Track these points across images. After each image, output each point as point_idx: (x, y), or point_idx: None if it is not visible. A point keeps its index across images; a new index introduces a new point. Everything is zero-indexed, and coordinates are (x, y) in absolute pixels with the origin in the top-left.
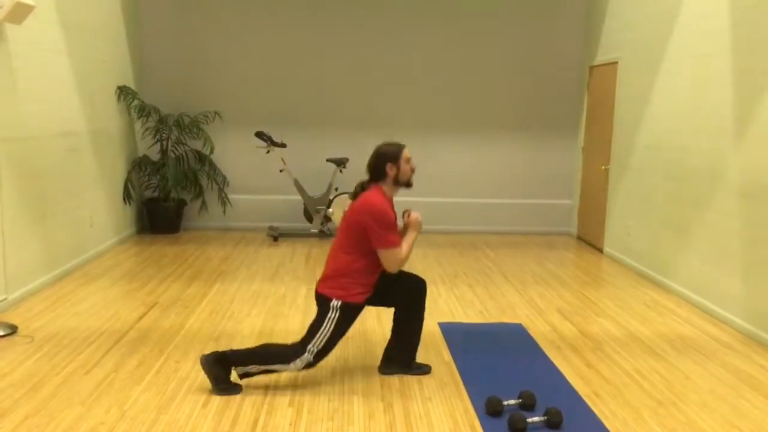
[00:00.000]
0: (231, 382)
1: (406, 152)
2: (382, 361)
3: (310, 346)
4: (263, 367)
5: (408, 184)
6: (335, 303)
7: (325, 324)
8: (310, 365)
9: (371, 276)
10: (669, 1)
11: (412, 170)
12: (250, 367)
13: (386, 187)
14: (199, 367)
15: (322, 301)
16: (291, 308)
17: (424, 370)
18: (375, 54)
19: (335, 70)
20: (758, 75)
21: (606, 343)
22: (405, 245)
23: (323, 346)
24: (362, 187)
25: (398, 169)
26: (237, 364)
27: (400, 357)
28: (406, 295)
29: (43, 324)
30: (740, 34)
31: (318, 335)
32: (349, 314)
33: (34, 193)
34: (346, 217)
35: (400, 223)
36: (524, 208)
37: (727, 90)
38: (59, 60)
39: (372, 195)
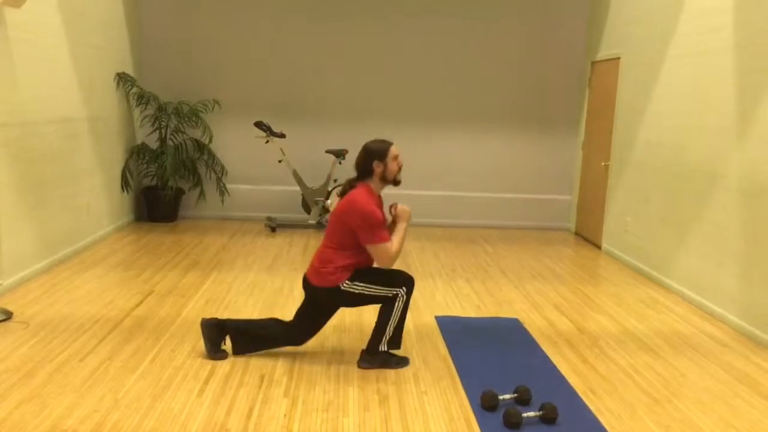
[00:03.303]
0: (222, 349)
1: (393, 149)
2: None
3: (388, 294)
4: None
5: (395, 182)
6: (343, 284)
7: (362, 295)
8: (407, 297)
9: (364, 264)
10: None
11: (399, 167)
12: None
13: (373, 184)
14: (194, 356)
15: (325, 293)
16: (288, 299)
17: (401, 363)
18: (376, 46)
19: (336, 61)
20: (761, 73)
21: (602, 340)
22: (396, 239)
23: (384, 287)
24: (350, 185)
25: (385, 166)
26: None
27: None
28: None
29: (38, 310)
30: (743, 32)
31: (375, 297)
32: (362, 273)
33: (31, 179)
34: (334, 215)
35: (389, 217)
36: (523, 202)
37: (729, 88)
38: (58, 45)
39: (358, 194)
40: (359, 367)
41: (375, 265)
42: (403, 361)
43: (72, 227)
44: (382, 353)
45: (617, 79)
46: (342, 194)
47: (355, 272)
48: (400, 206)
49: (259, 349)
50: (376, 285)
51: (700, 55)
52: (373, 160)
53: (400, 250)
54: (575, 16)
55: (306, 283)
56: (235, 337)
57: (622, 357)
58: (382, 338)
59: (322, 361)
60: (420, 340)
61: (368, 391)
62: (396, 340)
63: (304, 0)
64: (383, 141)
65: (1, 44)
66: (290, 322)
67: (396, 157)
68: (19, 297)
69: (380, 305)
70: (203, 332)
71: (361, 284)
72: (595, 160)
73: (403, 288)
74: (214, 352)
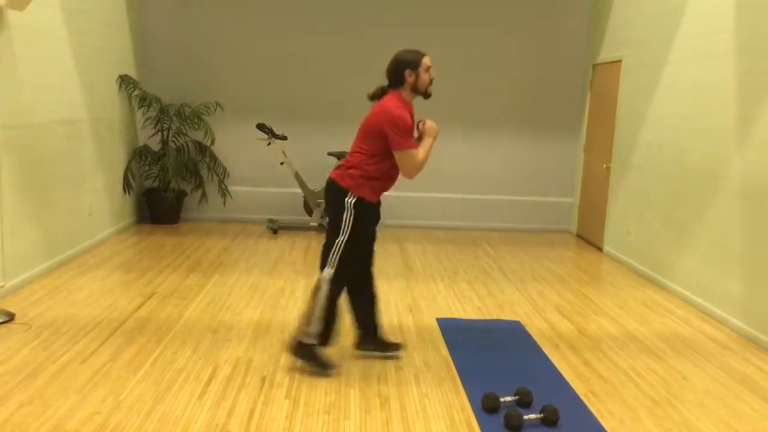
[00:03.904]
0: (324, 360)
1: (426, 60)
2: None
3: (329, 259)
4: (320, 321)
5: (426, 94)
6: (349, 200)
7: (342, 226)
8: (337, 285)
9: (384, 182)
10: (674, 0)
11: (431, 80)
12: (311, 330)
13: (405, 93)
14: (195, 357)
15: (334, 191)
16: (289, 301)
17: (325, 369)
18: (377, 48)
19: (338, 63)
20: (762, 76)
21: (604, 342)
22: (422, 149)
23: (342, 254)
24: (382, 91)
25: (417, 76)
26: (303, 338)
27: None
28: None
29: (40, 312)
30: (745, 35)
31: (336, 242)
32: (362, 213)
33: (34, 181)
34: (365, 122)
35: (415, 133)
36: (525, 205)
37: (730, 91)
38: (61, 47)
39: (389, 100)
40: (287, 349)
41: (400, 175)
42: (326, 366)
43: (74, 229)
44: (308, 347)
45: (619, 82)
46: (372, 98)
47: (364, 203)
48: (428, 122)
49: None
50: (350, 235)
51: (702, 58)
52: (405, 69)
53: (425, 161)
54: (576, 18)
55: (327, 183)
56: (322, 333)
57: (624, 359)
58: (306, 325)
59: None
60: (421, 342)
61: (369, 393)
62: (325, 335)
63: (306, 3)
64: (416, 51)
65: (4, 46)
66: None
67: (428, 68)
68: (21, 299)
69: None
70: (305, 361)
71: (353, 217)
72: (596, 162)
73: (334, 273)
74: (322, 366)
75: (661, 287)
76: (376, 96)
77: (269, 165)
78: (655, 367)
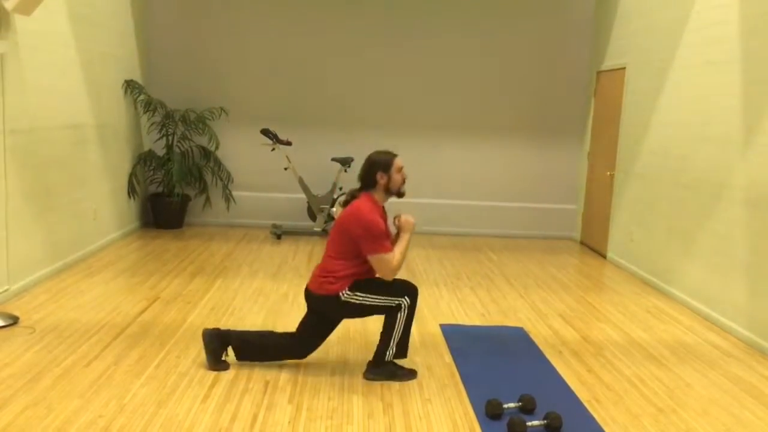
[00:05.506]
0: (223, 360)
1: (398, 161)
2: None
3: (391, 304)
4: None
5: (399, 194)
6: (344, 295)
7: (363, 306)
8: (410, 311)
9: (366, 275)
10: (679, 8)
11: (404, 180)
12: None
13: (377, 195)
14: (199, 362)
15: (324, 302)
16: (292, 306)
17: (408, 376)
18: (382, 56)
19: (342, 69)
20: (766, 84)
21: (607, 349)
22: (397, 251)
23: (389, 291)
24: (352, 196)
25: (389, 178)
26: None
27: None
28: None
29: (44, 315)
30: (750, 43)
31: (376, 307)
32: (361, 285)
33: (39, 185)
34: (336, 224)
35: (393, 229)
36: (528, 211)
37: (734, 99)
38: (67, 52)
39: (361, 204)
40: (365, 378)
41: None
42: (410, 374)
43: (79, 233)
44: (388, 365)
45: (623, 89)
46: (345, 204)
47: (354, 282)
48: (404, 217)
49: (262, 360)
50: (377, 295)
51: (706, 65)
52: (377, 171)
53: (402, 261)
54: (581, 25)
55: (307, 293)
56: (237, 346)
57: (627, 366)
58: (387, 349)
59: (326, 369)
60: (424, 349)
61: (372, 399)
62: (402, 351)
63: (310, 10)
64: (387, 152)
65: (10, 51)
66: (293, 333)
67: (400, 169)
68: (25, 302)
69: (384, 315)
70: (205, 342)
71: (362, 295)
72: (600, 169)
73: (406, 297)
74: (216, 363)
75: (664, 294)
76: (347, 201)
77: (273, 170)
78: (659, 374)
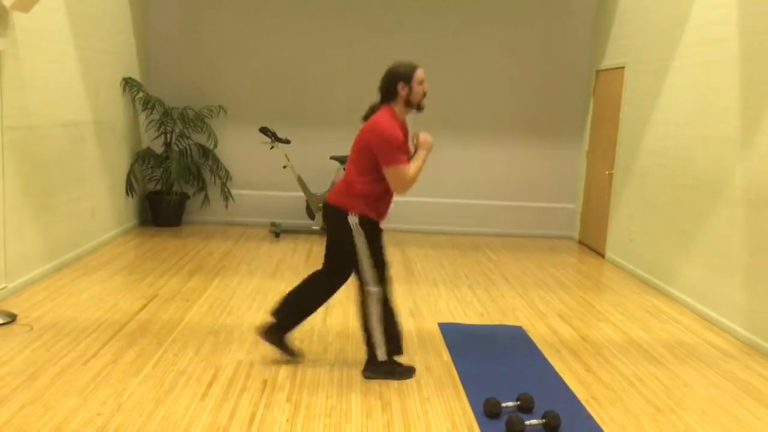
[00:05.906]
0: (404, 367)
1: (419, 73)
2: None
3: (366, 278)
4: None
5: (419, 107)
6: (353, 219)
7: (357, 249)
8: (384, 304)
9: (380, 202)
10: (678, 7)
11: (425, 93)
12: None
13: (397, 108)
14: (197, 360)
15: (336, 216)
16: None
17: (406, 374)
18: (380, 53)
19: (341, 67)
20: (766, 84)
21: (606, 349)
22: (413, 165)
23: (375, 268)
24: (372, 110)
25: (410, 89)
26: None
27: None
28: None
29: (42, 313)
30: (748, 43)
31: (361, 264)
32: (370, 228)
33: (37, 183)
34: (357, 137)
35: (412, 147)
36: (527, 211)
37: (734, 98)
38: (65, 50)
39: (380, 116)
40: (363, 376)
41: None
42: (408, 371)
43: (77, 231)
44: (383, 363)
45: (622, 88)
46: (365, 119)
47: (367, 220)
48: (422, 135)
49: (306, 317)
50: (370, 253)
51: (705, 65)
52: (398, 82)
53: (416, 177)
54: (580, 24)
55: (324, 207)
56: (284, 326)
57: (626, 366)
58: (373, 345)
59: (324, 367)
60: (423, 347)
61: (371, 398)
62: (395, 348)
63: (309, 7)
64: (409, 63)
65: (8, 48)
66: (320, 271)
67: (422, 81)
68: (23, 300)
69: (359, 310)
70: (268, 342)
71: (363, 239)
72: (599, 168)
73: (380, 288)
74: (290, 353)
75: (663, 294)
76: (368, 115)
77: (272, 168)
78: (657, 373)
